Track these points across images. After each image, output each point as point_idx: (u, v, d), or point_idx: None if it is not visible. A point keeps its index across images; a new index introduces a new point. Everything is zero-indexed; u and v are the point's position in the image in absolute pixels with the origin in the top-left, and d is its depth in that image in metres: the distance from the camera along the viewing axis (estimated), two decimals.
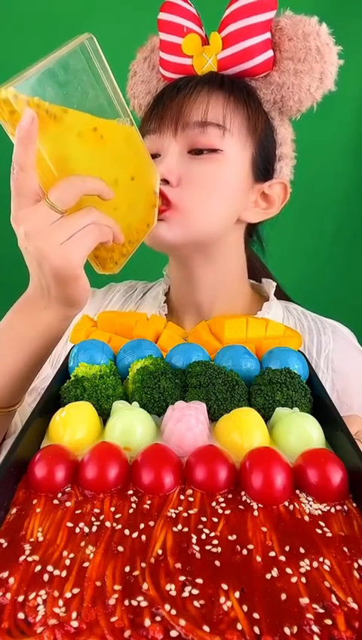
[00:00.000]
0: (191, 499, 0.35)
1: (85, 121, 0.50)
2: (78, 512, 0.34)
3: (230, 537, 0.32)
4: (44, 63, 0.46)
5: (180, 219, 0.62)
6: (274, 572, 0.29)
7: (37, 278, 0.53)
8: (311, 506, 0.35)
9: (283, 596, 0.28)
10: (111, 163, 0.54)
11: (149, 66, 0.72)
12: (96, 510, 0.34)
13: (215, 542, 0.31)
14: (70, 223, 0.49)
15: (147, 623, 0.26)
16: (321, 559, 0.30)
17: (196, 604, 0.27)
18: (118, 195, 0.52)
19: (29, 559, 0.30)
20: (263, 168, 0.67)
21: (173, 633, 0.25)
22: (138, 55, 0.73)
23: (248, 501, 0.35)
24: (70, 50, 0.47)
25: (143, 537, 0.32)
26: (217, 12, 0.64)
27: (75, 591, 0.28)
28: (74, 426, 0.42)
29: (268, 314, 0.71)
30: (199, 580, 0.28)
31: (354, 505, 0.35)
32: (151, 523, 0.33)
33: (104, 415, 0.45)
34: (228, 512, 0.34)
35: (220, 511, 0.34)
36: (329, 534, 0.32)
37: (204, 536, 0.32)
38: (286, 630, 0.26)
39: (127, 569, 0.29)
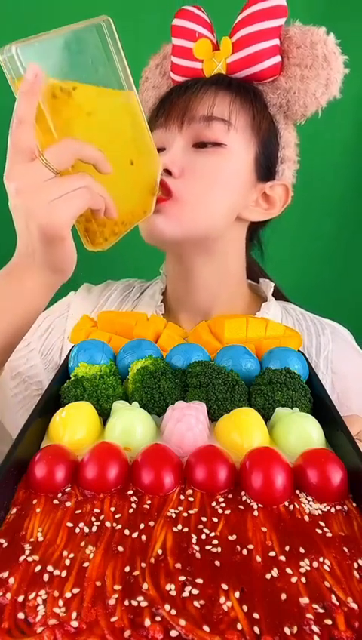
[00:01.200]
0: (191, 499, 0.35)
1: (94, 95, 0.50)
2: (78, 512, 0.34)
3: (230, 537, 0.32)
4: (58, 30, 0.47)
5: (179, 211, 0.62)
6: (274, 572, 0.29)
7: (23, 240, 0.52)
8: (311, 506, 0.35)
9: (283, 596, 0.28)
10: (114, 140, 0.54)
11: (160, 73, 0.73)
12: (96, 510, 0.34)
13: (215, 542, 0.31)
14: (62, 182, 0.48)
15: (147, 623, 0.26)
16: (321, 559, 0.30)
17: (196, 604, 0.27)
18: (116, 173, 0.53)
19: (29, 559, 0.30)
20: (266, 168, 0.67)
21: (173, 633, 0.25)
22: (150, 62, 0.74)
23: (248, 501, 0.35)
24: (86, 26, 0.48)
25: (143, 537, 0.32)
26: (229, 20, 0.65)
27: (75, 591, 0.28)
28: (74, 426, 0.42)
29: (267, 315, 0.71)
30: (199, 580, 0.28)
31: (354, 505, 0.35)
32: (151, 523, 0.33)
33: (104, 415, 0.45)
34: (228, 512, 0.34)
35: (220, 511, 0.34)
36: (329, 534, 0.32)
37: (203, 536, 0.32)
38: (286, 630, 0.26)
39: (127, 569, 0.29)
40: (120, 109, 0.53)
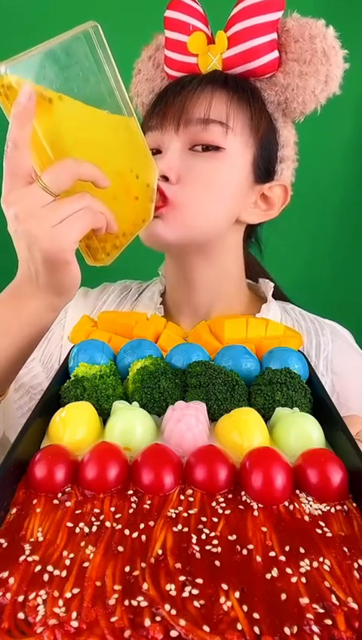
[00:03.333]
0: (191, 499, 0.35)
1: (84, 108, 0.50)
2: (78, 512, 0.34)
3: (230, 537, 0.32)
4: (46, 44, 0.46)
5: (177, 216, 0.61)
6: (274, 572, 0.29)
7: (26, 264, 0.51)
8: (311, 506, 0.35)
9: (283, 596, 0.28)
10: (109, 153, 0.53)
11: (153, 65, 0.71)
12: (96, 510, 0.34)
13: (215, 542, 0.31)
14: (63, 205, 0.47)
15: (147, 623, 0.26)
16: (321, 559, 0.30)
17: (196, 604, 0.27)
18: (114, 186, 0.52)
19: (29, 559, 0.30)
20: (264, 169, 0.66)
21: (173, 633, 0.25)
22: (143, 54, 0.72)
23: (248, 501, 0.35)
24: (74, 36, 0.47)
25: (143, 537, 0.32)
26: (224, 12, 0.63)
27: (75, 591, 0.28)
28: (74, 426, 0.42)
29: (267, 316, 0.70)
30: (199, 580, 0.28)
31: (354, 505, 0.35)
32: (151, 523, 0.33)
33: (104, 415, 0.45)
34: (228, 512, 0.34)
35: (220, 511, 0.34)
36: (329, 534, 0.32)
37: (204, 536, 0.32)
38: (286, 630, 0.26)
39: (127, 569, 0.29)
40: (113, 118, 0.53)
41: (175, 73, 0.67)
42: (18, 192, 0.48)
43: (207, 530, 0.32)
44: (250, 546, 0.31)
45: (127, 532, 0.32)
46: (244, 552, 0.31)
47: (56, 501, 0.35)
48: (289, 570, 0.29)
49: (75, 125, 0.49)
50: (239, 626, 0.26)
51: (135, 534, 0.32)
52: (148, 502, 0.35)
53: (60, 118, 0.48)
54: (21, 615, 0.26)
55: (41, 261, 0.49)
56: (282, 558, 0.30)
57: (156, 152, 0.64)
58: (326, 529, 0.33)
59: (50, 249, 0.48)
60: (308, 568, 0.29)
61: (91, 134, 0.51)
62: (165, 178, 0.61)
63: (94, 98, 0.50)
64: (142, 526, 0.32)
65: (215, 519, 0.33)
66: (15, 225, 0.48)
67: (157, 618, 0.26)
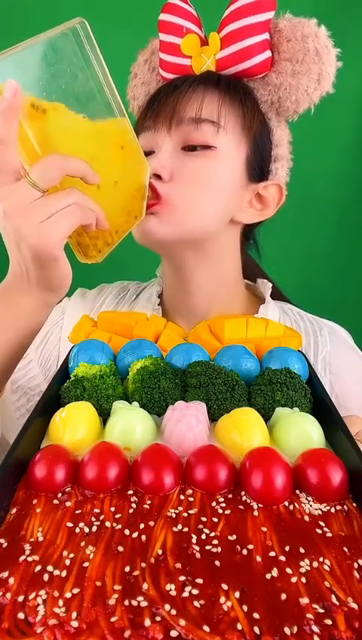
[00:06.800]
0: (191, 499, 0.35)
1: (73, 104, 0.49)
2: (78, 512, 0.34)
3: (230, 537, 0.32)
4: (32, 40, 0.45)
5: (170, 213, 0.61)
6: (274, 572, 0.29)
7: (16, 262, 0.52)
8: (311, 506, 0.35)
9: (283, 596, 0.28)
10: (100, 148, 0.53)
11: (149, 69, 0.72)
12: (96, 510, 0.34)
13: (215, 542, 0.31)
14: (50, 201, 0.47)
15: (147, 623, 0.26)
16: (321, 559, 0.30)
17: (196, 604, 0.27)
18: (105, 183, 0.52)
19: (29, 559, 0.30)
20: (258, 168, 0.66)
21: (173, 633, 0.25)
22: (139, 57, 0.73)
23: (248, 501, 0.35)
24: (61, 32, 0.47)
25: (143, 537, 0.32)
26: (217, 13, 0.64)
27: (75, 591, 0.28)
28: (74, 426, 0.42)
29: (265, 316, 0.70)
30: (199, 580, 0.28)
31: (354, 505, 0.35)
32: (151, 523, 0.33)
33: (104, 415, 0.45)
34: (228, 512, 0.34)
35: (220, 511, 0.34)
36: (329, 534, 0.32)
37: (204, 536, 0.32)
38: (286, 630, 0.26)
39: (127, 569, 0.29)
40: (103, 115, 0.52)
41: (169, 75, 0.67)
42: (6, 188, 0.48)
43: (207, 530, 0.32)
44: (250, 546, 0.31)
45: (127, 532, 0.32)
46: (244, 552, 0.31)
47: (56, 501, 0.35)
48: (289, 570, 0.29)
49: (65, 122, 0.49)
50: (239, 626, 0.26)
51: (135, 534, 0.32)
52: (148, 502, 0.35)
53: (48, 115, 0.47)
54: (21, 615, 0.26)
55: (30, 258, 0.49)
56: (282, 558, 0.30)
57: (149, 152, 0.64)
58: (326, 529, 0.33)
59: (38, 245, 0.48)
60: (308, 568, 0.29)
61: (81, 130, 0.51)
62: (158, 177, 0.61)
63: (82, 94, 0.50)
64: (142, 526, 0.32)
65: (215, 519, 0.33)
66: (3, 222, 0.48)
67: (157, 618, 0.26)
